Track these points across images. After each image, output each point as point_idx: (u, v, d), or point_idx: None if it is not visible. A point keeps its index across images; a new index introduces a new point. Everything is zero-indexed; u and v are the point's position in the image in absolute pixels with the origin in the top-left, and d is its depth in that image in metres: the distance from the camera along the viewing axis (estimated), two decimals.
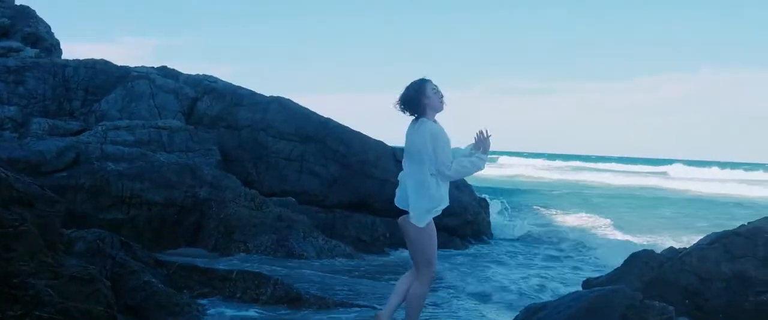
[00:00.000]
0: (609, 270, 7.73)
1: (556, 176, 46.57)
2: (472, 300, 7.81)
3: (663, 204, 25.68)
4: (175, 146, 12.04)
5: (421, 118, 4.50)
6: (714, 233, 6.91)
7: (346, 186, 12.79)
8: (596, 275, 8.13)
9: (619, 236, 15.77)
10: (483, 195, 14.90)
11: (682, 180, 42.07)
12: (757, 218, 6.95)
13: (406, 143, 4.61)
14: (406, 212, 4.56)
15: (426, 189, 4.43)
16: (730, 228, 6.82)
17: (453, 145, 4.59)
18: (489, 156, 4.63)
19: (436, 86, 4.50)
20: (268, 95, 14.13)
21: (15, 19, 16.28)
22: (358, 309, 6.27)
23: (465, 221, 12.92)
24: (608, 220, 18.35)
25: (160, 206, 10.29)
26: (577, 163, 64.60)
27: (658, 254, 7.00)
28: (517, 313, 5.63)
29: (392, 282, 8.62)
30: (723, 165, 62.50)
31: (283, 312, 5.99)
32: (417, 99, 4.46)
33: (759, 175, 50.47)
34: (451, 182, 4.63)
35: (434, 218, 4.53)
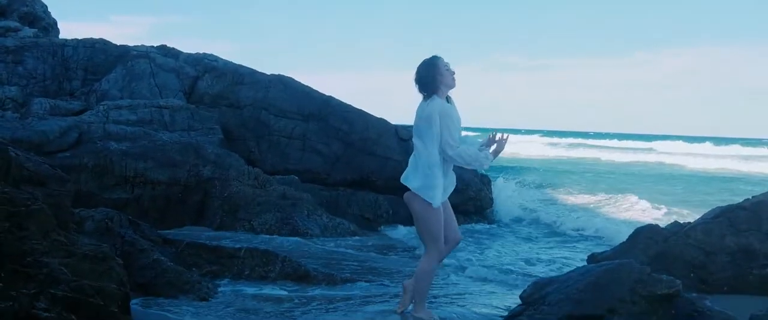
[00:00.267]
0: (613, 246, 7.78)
1: (554, 153, 46.63)
2: (475, 277, 7.84)
3: (665, 180, 25.75)
4: (177, 125, 12.03)
5: (433, 95, 4.52)
6: (718, 207, 6.97)
7: (349, 164, 12.81)
8: (601, 250, 8.17)
9: (621, 212, 15.85)
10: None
11: (681, 155, 42.10)
12: (760, 192, 6.99)
13: (414, 121, 4.64)
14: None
15: (429, 167, 4.45)
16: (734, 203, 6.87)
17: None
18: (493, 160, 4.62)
19: (447, 62, 4.53)
20: (268, 73, 14.10)
21: None
22: (367, 284, 6.32)
23: (467, 197, 12.94)
24: (610, 196, 18.40)
25: (164, 185, 10.31)
26: (574, 140, 64.52)
27: (663, 228, 7.04)
28: (524, 289, 5.67)
29: (395, 257, 8.70)
30: (719, 141, 62.60)
31: (293, 288, 6.04)
32: (430, 76, 4.48)
33: (759, 151, 50.54)
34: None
35: None
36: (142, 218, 8.41)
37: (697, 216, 7.37)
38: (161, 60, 13.85)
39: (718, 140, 65.93)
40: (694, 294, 5.68)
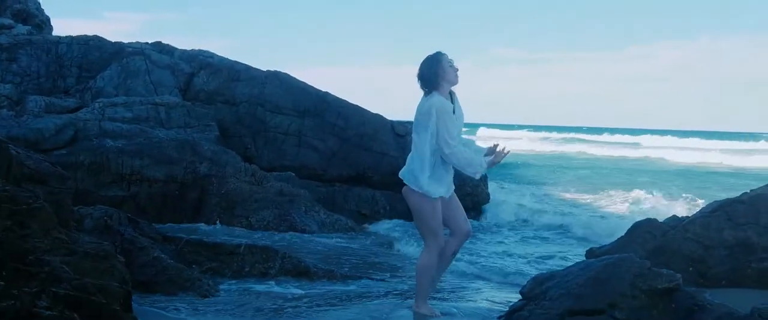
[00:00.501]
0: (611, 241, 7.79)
1: (546, 147, 46.63)
2: (470, 273, 7.84)
3: (659, 175, 25.85)
4: (173, 122, 12.00)
5: (432, 92, 4.52)
6: (716, 201, 6.99)
7: (345, 160, 12.80)
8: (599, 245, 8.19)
9: (616, 207, 15.90)
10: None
11: (674, 150, 42.20)
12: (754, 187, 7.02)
13: (414, 116, 4.64)
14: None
15: (425, 163, 4.46)
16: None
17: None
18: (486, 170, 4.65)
19: (451, 59, 4.53)
20: (263, 69, 14.07)
21: None
22: (367, 280, 6.32)
23: (464, 193, 12.93)
24: (604, 193, 18.45)
25: (161, 182, 10.29)
26: (564, 135, 64.53)
27: (661, 222, 7.06)
28: (524, 284, 5.68)
29: (396, 253, 8.71)
30: (709, 135, 62.81)
31: (293, 284, 6.04)
32: (432, 71, 4.49)
33: (753, 145, 50.77)
34: None
35: None
36: (139, 216, 8.38)
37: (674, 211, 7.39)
38: (156, 57, 13.80)
39: (709, 135, 66.18)
40: (693, 288, 5.71)
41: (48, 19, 18.26)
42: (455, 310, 5.14)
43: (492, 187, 14.52)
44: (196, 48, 14.73)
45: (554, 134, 64.76)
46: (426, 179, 4.48)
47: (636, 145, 50.06)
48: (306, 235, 9.34)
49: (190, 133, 11.71)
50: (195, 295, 5.37)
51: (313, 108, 13.14)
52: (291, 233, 9.35)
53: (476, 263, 8.44)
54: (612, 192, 18.32)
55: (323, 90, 13.68)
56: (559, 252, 10.16)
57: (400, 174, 4.69)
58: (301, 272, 6.30)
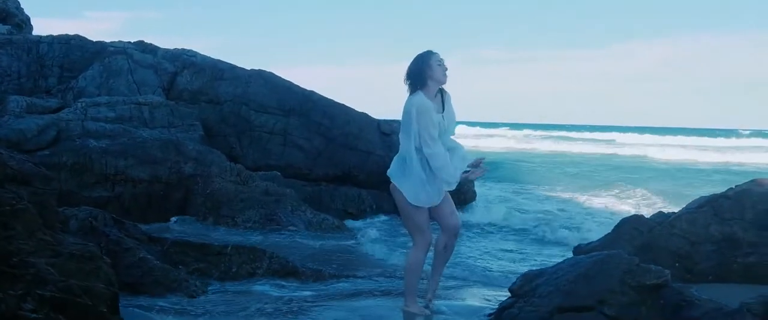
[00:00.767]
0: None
1: (524, 146, 46.74)
2: (457, 274, 7.81)
3: (642, 172, 26.06)
4: (157, 122, 11.89)
5: (417, 90, 4.52)
6: (702, 196, 7.03)
7: (331, 159, 12.76)
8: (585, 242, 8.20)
9: (601, 204, 16.00)
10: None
11: (656, 147, 42.55)
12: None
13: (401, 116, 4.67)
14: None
15: (410, 163, 4.49)
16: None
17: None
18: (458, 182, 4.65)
19: (441, 58, 4.53)
20: (247, 68, 13.98)
21: None
22: (356, 279, 6.30)
23: (451, 191, 12.96)
24: (589, 191, 18.57)
25: (145, 182, 10.19)
26: (545, 132, 64.87)
27: (648, 218, 7.09)
28: (514, 281, 5.67)
29: (383, 250, 8.67)
30: (690, 132, 63.44)
31: (281, 284, 6.00)
32: (418, 69, 4.49)
33: (735, 142, 51.39)
34: None
35: None
36: (123, 216, 8.27)
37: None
38: (139, 56, 13.67)
39: (690, 131, 66.82)
40: (680, 284, 5.74)
41: (28, 19, 18.03)
42: (445, 308, 5.13)
43: (476, 184, 14.51)
44: (179, 47, 14.61)
45: (537, 132, 65.09)
46: (422, 185, 4.51)
47: (618, 143, 50.44)
48: (291, 233, 9.29)
49: (174, 133, 11.61)
50: (183, 296, 5.32)
51: (298, 107, 13.08)
52: (276, 231, 9.30)
53: (463, 262, 8.43)
54: (596, 189, 18.44)
55: (309, 89, 13.62)
56: (544, 249, 10.18)
57: (388, 173, 4.71)
58: (288, 272, 6.26)
